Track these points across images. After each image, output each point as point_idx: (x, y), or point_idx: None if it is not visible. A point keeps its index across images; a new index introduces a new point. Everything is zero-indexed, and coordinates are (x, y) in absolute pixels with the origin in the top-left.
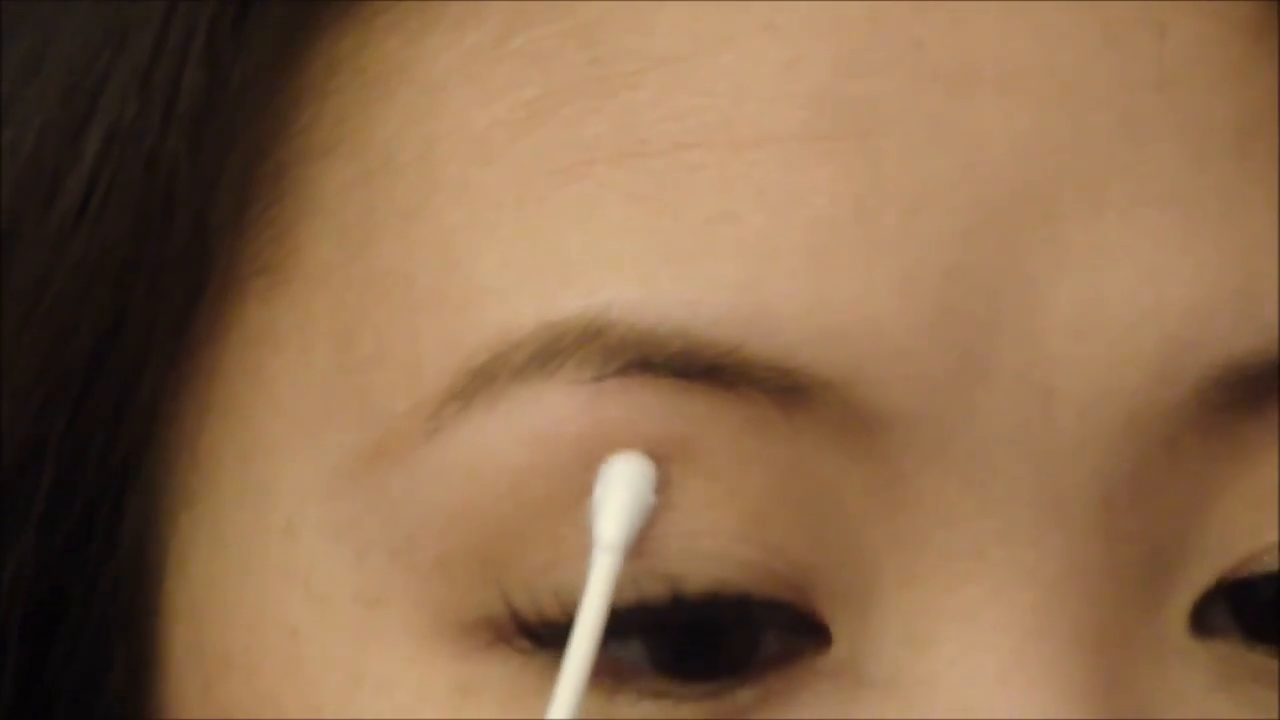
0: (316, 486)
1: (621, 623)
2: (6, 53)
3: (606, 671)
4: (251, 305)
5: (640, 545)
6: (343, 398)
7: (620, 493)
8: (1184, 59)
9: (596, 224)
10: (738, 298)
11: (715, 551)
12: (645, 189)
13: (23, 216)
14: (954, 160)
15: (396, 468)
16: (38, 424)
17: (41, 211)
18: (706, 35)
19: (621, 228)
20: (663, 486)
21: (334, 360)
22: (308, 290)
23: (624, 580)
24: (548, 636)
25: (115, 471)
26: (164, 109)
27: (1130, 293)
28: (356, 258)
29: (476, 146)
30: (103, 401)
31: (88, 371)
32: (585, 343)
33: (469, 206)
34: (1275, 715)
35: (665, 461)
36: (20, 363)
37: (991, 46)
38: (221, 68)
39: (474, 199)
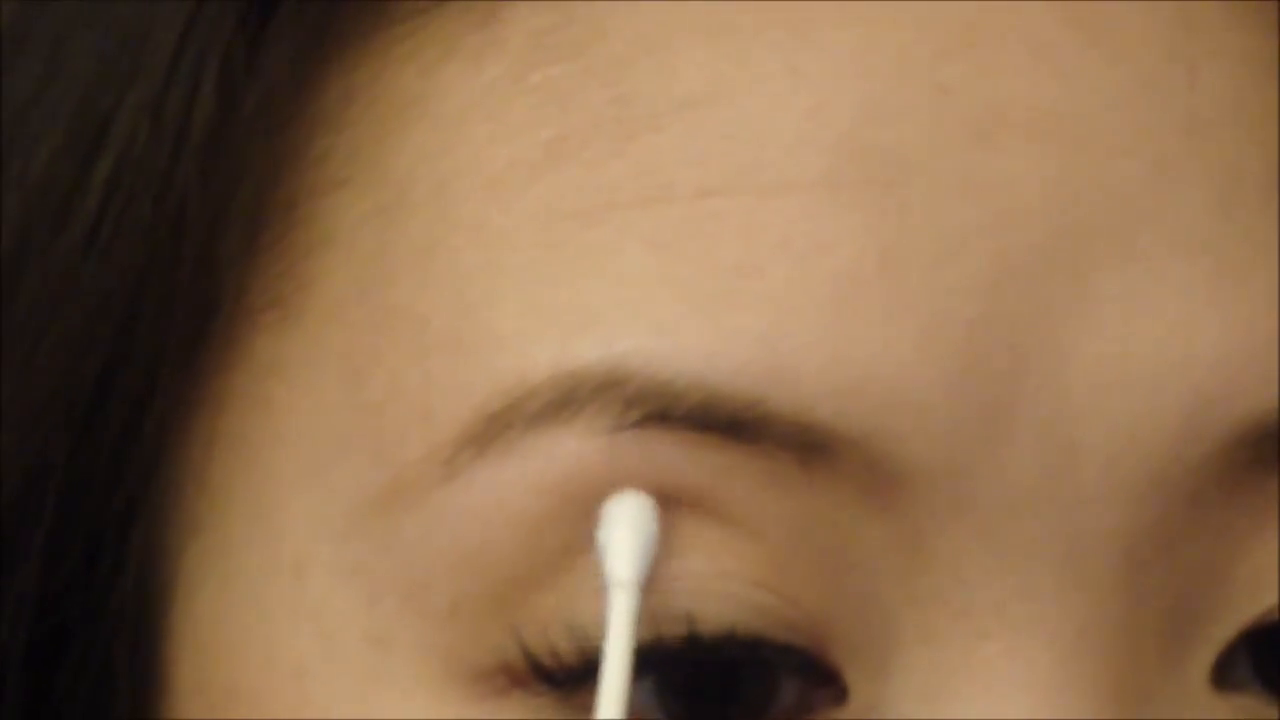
0: (327, 525)
1: (637, 662)
2: (18, 79)
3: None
4: (261, 338)
5: (655, 583)
6: (355, 437)
7: (626, 531)
8: (1214, 103)
9: (616, 271)
10: (759, 351)
11: (731, 594)
12: (667, 236)
13: (31, 244)
14: (981, 210)
15: (410, 511)
16: (42, 452)
17: (50, 240)
18: (729, 78)
19: (642, 276)
20: (677, 528)
21: (346, 399)
22: (319, 326)
23: (641, 617)
24: (563, 679)
25: (121, 501)
26: (175, 137)
27: (1157, 345)
28: (370, 295)
29: (494, 186)
30: (108, 430)
31: (93, 400)
32: (602, 392)
33: (485, 248)
34: None
35: (681, 507)
36: (25, 390)
37: (1019, 92)
38: (234, 97)
39: (491, 241)
